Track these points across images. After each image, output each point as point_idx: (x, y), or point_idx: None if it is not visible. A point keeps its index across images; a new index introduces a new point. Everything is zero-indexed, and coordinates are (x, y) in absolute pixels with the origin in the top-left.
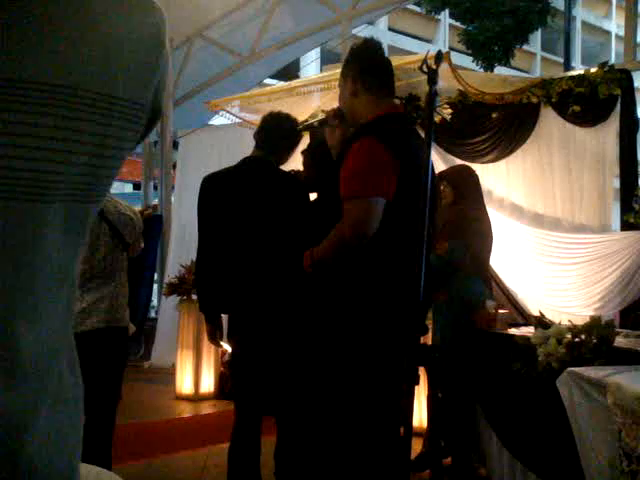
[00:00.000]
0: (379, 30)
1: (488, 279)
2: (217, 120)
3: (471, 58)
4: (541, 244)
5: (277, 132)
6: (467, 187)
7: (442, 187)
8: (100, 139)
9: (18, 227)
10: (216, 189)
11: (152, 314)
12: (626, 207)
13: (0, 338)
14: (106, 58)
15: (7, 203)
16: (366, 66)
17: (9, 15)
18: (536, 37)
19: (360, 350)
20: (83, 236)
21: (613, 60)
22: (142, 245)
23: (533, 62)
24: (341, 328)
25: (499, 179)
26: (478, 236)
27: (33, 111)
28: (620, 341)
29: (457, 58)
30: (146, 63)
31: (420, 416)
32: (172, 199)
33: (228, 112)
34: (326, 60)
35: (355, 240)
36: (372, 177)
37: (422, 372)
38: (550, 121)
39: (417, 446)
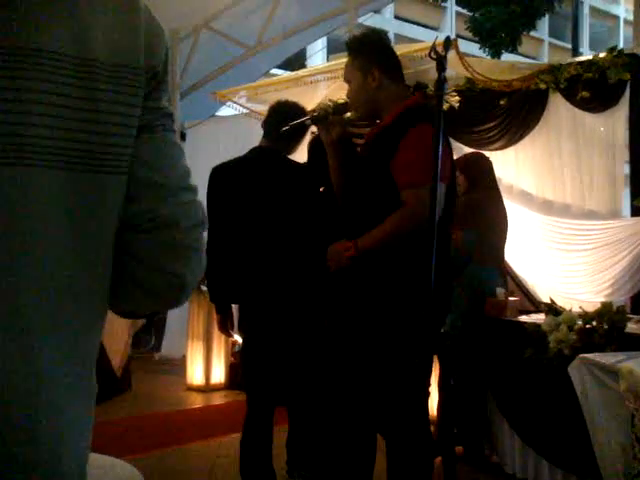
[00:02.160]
0: (385, 18)
1: (503, 269)
2: (224, 111)
3: (478, 45)
4: (551, 231)
5: (285, 121)
6: (481, 175)
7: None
8: (88, 103)
9: (6, 192)
10: (225, 179)
11: None
12: (636, 192)
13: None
14: (75, 20)
15: None
16: (386, 57)
17: None
18: (543, 23)
19: (396, 338)
20: (100, 207)
21: (622, 45)
22: None
23: (541, 48)
24: (381, 315)
25: (508, 166)
26: (493, 226)
27: (14, 76)
28: (632, 327)
29: (464, 45)
30: (122, 26)
31: (432, 404)
32: None
33: (235, 103)
34: (332, 49)
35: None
36: (444, 163)
37: (435, 360)
38: (559, 107)
39: None
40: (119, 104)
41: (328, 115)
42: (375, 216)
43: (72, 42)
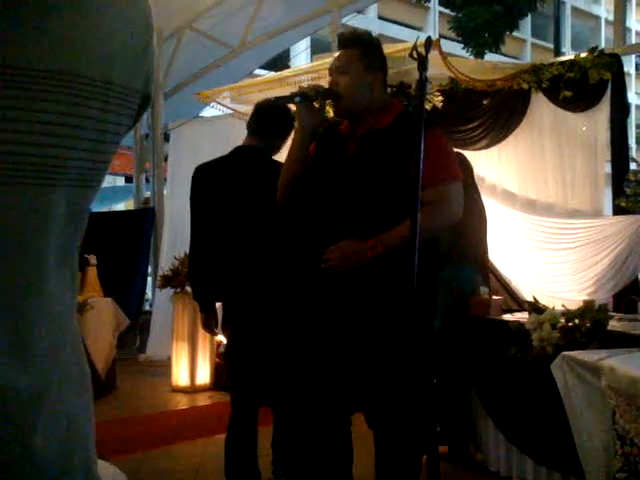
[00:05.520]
0: (368, 18)
1: (483, 267)
2: (208, 112)
3: (461, 45)
4: (534, 230)
5: (269, 120)
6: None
7: None
8: (100, 124)
9: (28, 211)
10: (207, 179)
11: (147, 307)
12: (618, 191)
13: (12, 322)
14: (101, 44)
15: (17, 188)
16: (386, 64)
17: (7, 3)
18: (526, 23)
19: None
20: (82, 221)
21: (603, 45)
22: None
23: (523, 48)
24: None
25: (491, 166)
26: (470, 225)
27: (39, 98)
28: (614, 325)
29: (447, 45)
30: (137, 49)
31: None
32: (164, 191)
33: (219, 103)
34: (316, 50)
35: (458, 219)
36: (457, 163)
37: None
38: (541, 107)
39: None
40: (121, 126)
41: (317, 97)
42: (391, 215)
43: (91, 64)
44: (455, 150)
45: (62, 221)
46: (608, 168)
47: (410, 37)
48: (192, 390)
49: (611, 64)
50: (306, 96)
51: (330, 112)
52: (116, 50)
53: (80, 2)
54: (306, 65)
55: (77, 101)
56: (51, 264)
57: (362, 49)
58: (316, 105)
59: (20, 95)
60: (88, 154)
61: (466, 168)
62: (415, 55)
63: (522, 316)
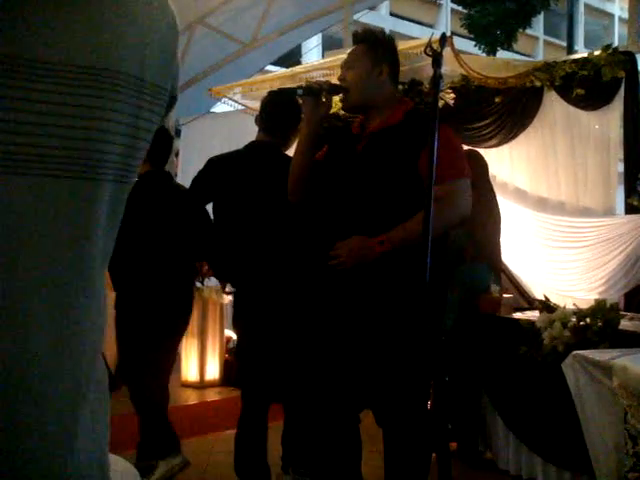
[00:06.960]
0: (380, 15)
1: (497, 266)
2: (219, 107)
3: (473, 42)
4: (545, 228)
5: (277, 114)
6: (473, 173)
7: None
8: (134, 121)
9: (78, 207)
10: (221, 172)
11: None
12: (630, 190)
13: (63, 318)
14: (138, 43)
15: (68, 182)
16: (396, 59)
17: (52, 5)
18: (539, 20)
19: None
20: (119, 216)
21: (616, 43)
22: None
23: (536, 46)
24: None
25: (503, 163)
26: (484, 223)
27: (83, 94)
28: (625, 324)
29: (459, 42)
30: (167, 49)
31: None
32: None
33: (230, 99)
34: (328, 46)
35: (466, 217)
36: (465, 160)
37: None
38: (554, 105)
39: None
40: (152, 123)
41: (322, 92)
42: (399, 212)
43: (128, 62)
44: (470, 148)
45: (105, 217)
46: (620, 167)
47: (422, 34)
48: (201, 386)
49: (625, 62)
50: (310, 89)
51: (338, 105)
52: (150, 49)
53: (122, 5)
54: (317, 61)
55: (116, 97)
56: (98, 262)
57: (369, 44)
58: (323, 99)
59: (65, 91)
60: (126, 149)
61: (481, 166)
62: (429, 52)
63: (533, 315)
